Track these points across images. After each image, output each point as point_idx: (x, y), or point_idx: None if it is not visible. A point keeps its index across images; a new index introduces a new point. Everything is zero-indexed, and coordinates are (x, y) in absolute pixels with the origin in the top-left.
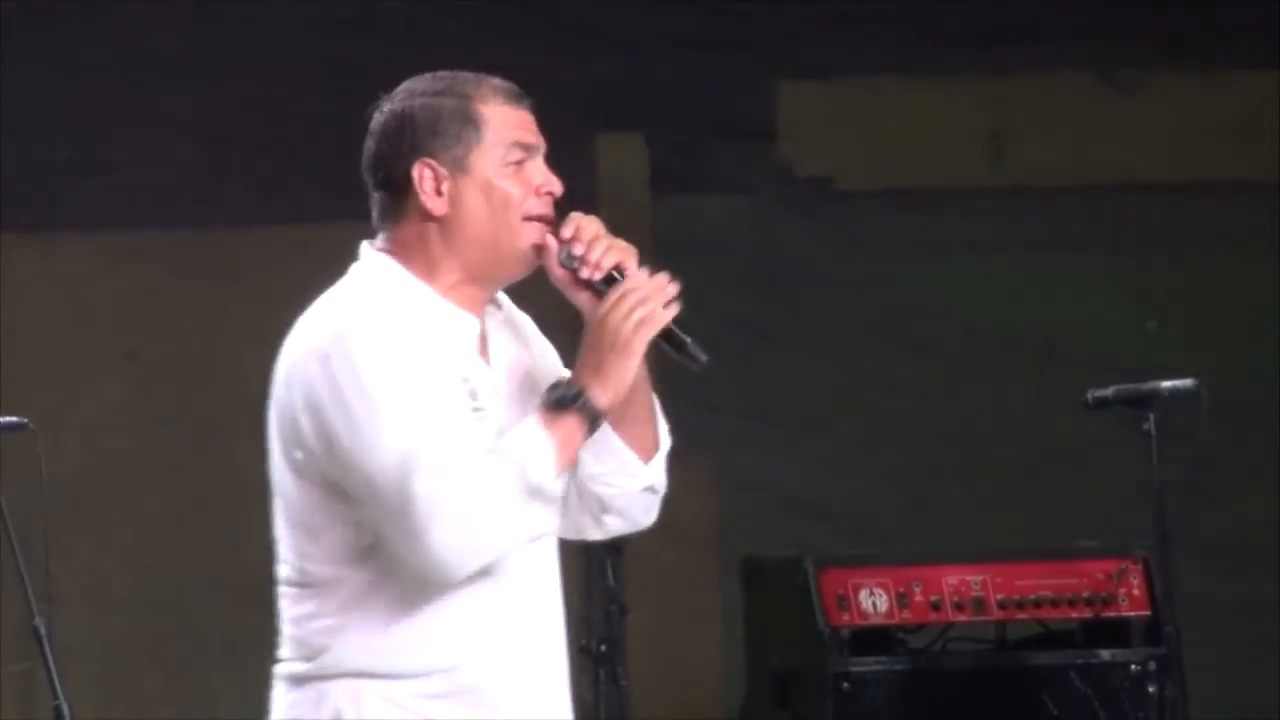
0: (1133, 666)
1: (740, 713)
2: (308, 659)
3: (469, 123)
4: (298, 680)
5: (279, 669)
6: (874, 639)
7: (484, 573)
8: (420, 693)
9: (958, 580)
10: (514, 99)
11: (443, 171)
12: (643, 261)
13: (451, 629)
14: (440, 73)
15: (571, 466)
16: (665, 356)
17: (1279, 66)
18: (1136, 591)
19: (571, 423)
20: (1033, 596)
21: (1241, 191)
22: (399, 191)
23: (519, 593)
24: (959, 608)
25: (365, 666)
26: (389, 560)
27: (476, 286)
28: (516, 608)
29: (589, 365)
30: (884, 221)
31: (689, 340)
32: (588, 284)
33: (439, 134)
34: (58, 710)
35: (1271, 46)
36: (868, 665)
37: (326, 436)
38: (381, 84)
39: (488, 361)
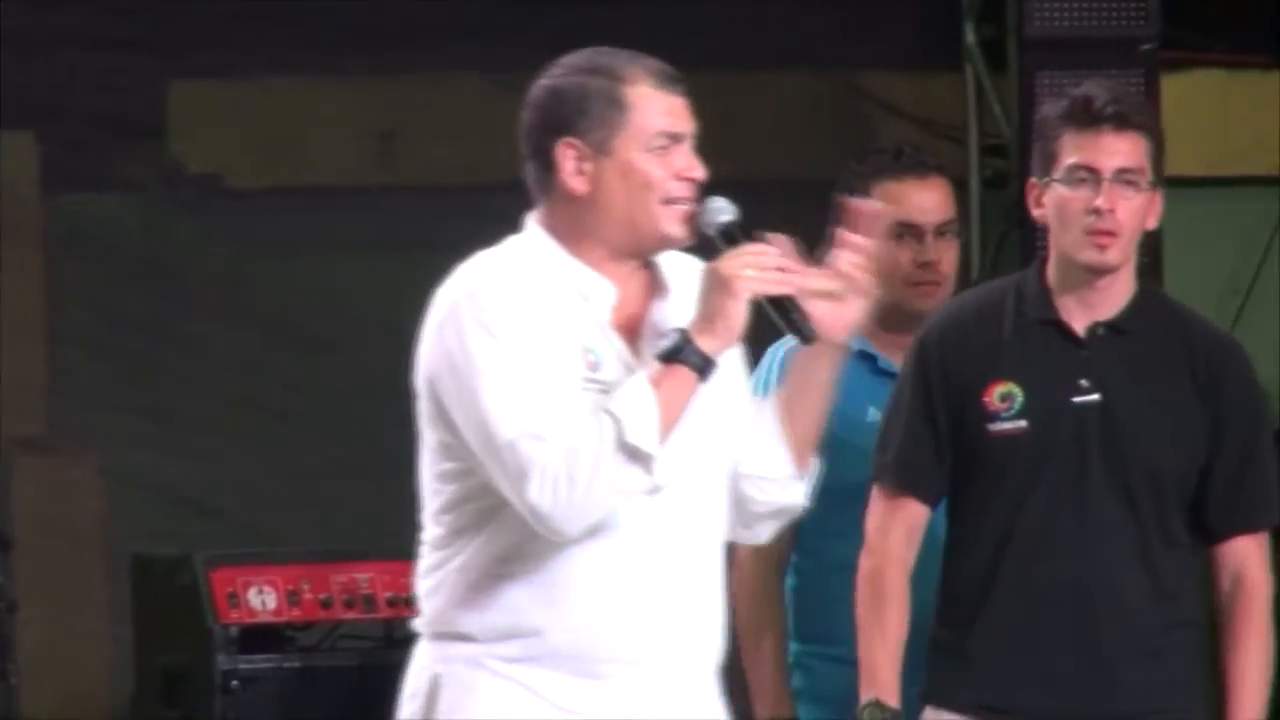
0: None
1: (129, 711)
2: (422, 617)
3: (614, 105)
4: (419, 636)
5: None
6: (263, 637)
7: (594, 536)
8: (503, 656)
9: (346, 578)
10: (667, 84)
11: (585, 151)
12: (33, 259)
13: (549, 593)
14: (600, 49)
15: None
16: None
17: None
18: None
19: (680, 375)
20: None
21: None
22: (545, 166)
23: (633, 557)
24: (349, 605)
25: (456, 628)
26: (496, 526)
27: (619, 263)
28: (630, 572)
29: (697, 314)
30: (273, 219)
31: (800, 311)
32: (711, 245)
33: (584, 114)
34: None
35: (645, 45)
36: (256, 663)
37: (437, 399)
38: None
39: (638, 331)
